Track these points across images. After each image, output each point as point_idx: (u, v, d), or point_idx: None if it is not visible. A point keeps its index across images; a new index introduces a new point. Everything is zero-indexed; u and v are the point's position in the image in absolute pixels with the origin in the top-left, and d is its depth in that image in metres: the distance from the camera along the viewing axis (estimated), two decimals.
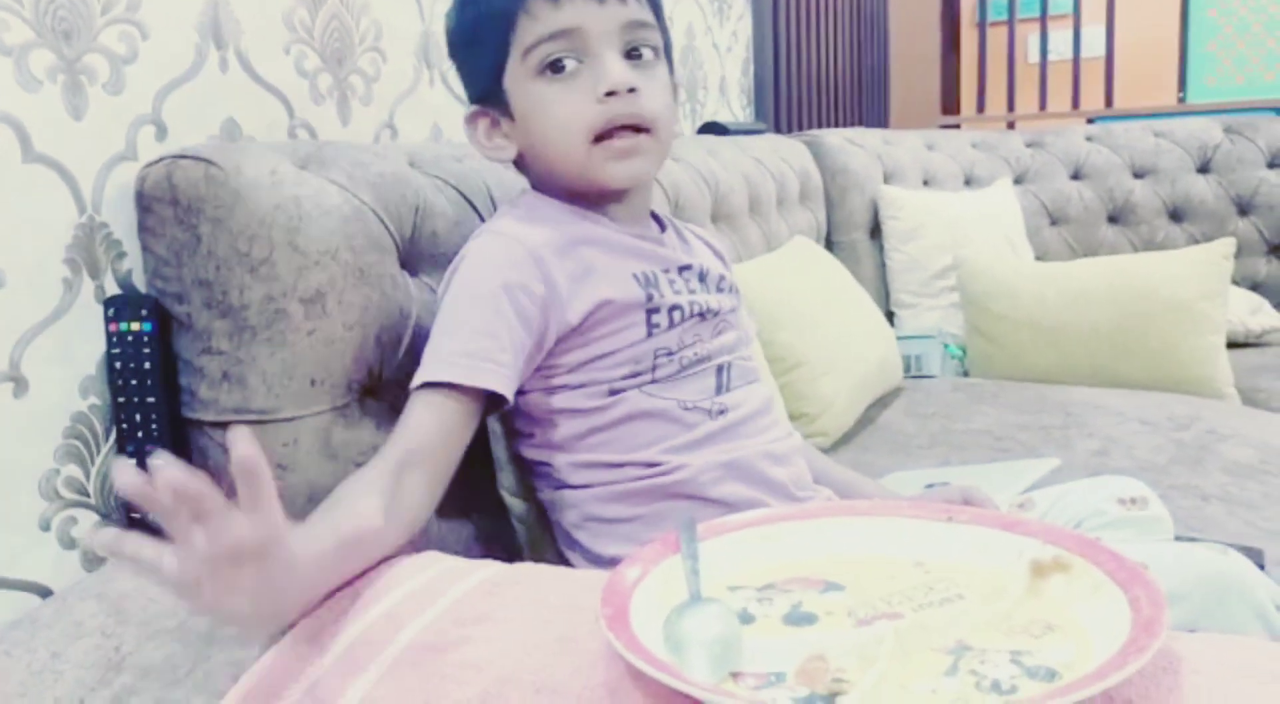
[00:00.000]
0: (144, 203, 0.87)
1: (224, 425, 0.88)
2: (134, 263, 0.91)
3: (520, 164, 0.96)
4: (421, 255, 1.00)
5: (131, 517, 0.90)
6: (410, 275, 0.98)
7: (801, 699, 0.56)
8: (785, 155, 2.13)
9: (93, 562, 0.88)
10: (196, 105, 0.97)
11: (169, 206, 0.86)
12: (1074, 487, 1.11)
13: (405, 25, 1.24)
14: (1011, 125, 3.35)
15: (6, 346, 0.81)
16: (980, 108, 3.42)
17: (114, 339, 0.88)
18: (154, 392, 0.87)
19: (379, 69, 1.20)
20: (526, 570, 0.76)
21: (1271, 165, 2.60)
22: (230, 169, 0.85)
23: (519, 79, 0.88)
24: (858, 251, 2.28)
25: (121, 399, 0.88)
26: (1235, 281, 2.20)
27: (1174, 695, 0.54)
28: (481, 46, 0.90)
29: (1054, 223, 2.65)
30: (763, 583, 0.70)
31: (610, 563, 0.91)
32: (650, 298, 0.89)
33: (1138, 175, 2.68)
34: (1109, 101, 3.26)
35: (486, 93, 0.92)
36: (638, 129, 0.88)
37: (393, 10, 1.22)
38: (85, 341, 0.87)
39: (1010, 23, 3.39)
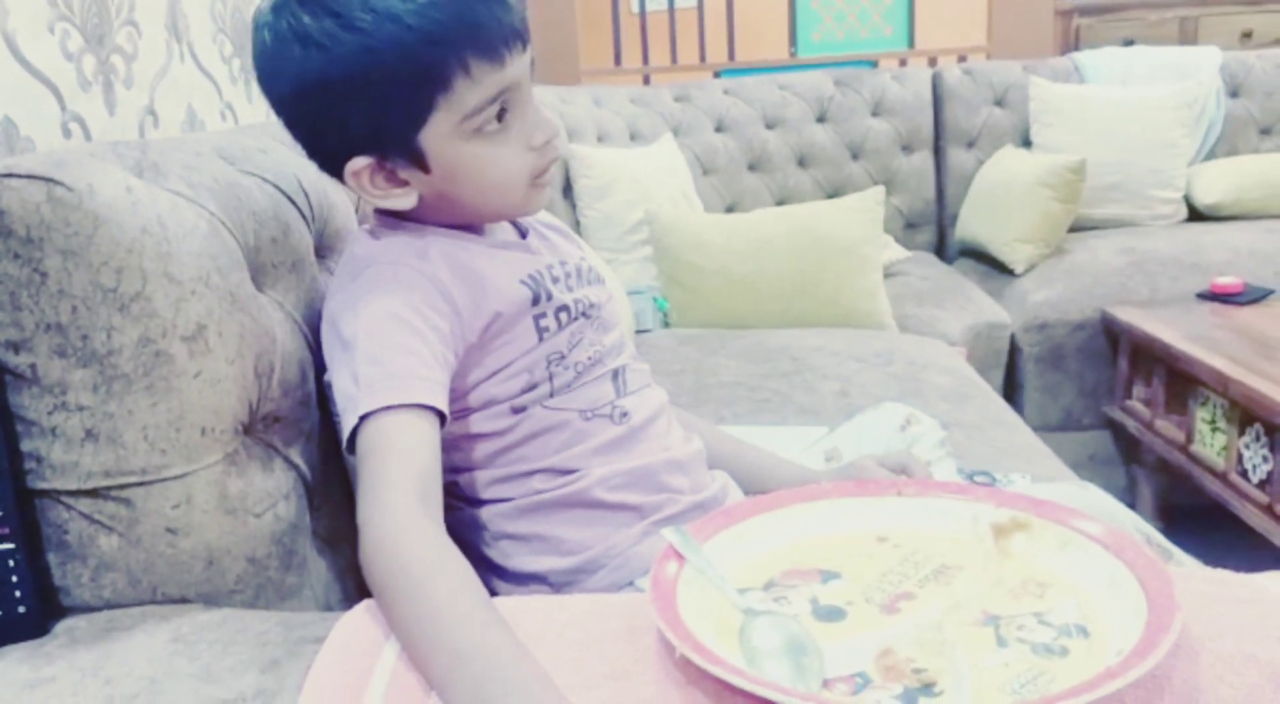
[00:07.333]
0: None
1: (91, 493, 0.74)
2: None
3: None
4: (264, 267, 0.89)
5: None
6: (258, 291, 0.87)
7: (899, 696, 0.59)
8: None
9: None
10: None
11: None
12: (853, 428, 1.22)
13: None
14: (646, 79, 3.50)
15: None
16: (617, 61, 3.54)
17: None
18: None
19: (136, 46, 1.03)
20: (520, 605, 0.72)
21: (874, 114, 2.95)
22: (81, 189, 0.70)
23: (447, 139, 0.81)
24: (555, 210, 2.30)
25: None
26: None
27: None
28: (383, 102, 0.80)
29: (705, 173, 2.83)
30: (763, 582, 0.72)
31: (530, 579, 0.90)
32: (537, 300, 0.88)
33: (769, 126, 2.92)
34: (731, 55, 3.51)
35: (381, 146, 0.83)
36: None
37: None
38: None
39: None
